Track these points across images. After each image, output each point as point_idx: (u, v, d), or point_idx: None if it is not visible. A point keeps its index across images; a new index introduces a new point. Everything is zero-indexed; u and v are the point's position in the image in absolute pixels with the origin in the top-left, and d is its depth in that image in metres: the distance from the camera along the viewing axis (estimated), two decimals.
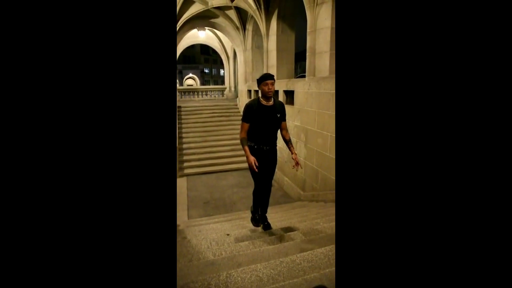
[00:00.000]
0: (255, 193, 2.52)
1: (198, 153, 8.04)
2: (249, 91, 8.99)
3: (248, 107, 2.24)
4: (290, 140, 2.44)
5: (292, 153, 2.31)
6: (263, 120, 2.23)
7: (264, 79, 2.20)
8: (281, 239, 2.08)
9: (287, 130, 2.44)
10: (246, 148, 2.22)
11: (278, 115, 2.29)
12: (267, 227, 2.64)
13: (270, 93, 2.21)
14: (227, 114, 10.19)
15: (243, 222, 3.27)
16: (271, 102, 2.26)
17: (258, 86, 2.24)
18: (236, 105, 10.93)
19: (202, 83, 33.60)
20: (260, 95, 2.30)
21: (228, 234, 2.55)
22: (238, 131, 9.39)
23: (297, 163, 2.23)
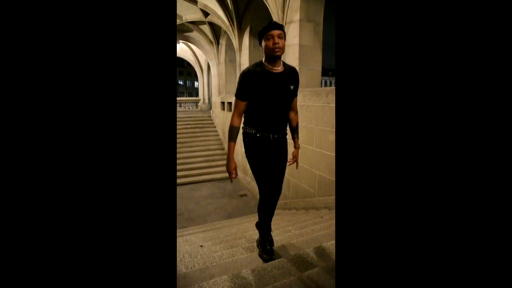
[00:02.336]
0: (262, 207, 1.68)
1: None
2: (223, 103, 8.98)
3: (245, 74, 1.44)
4: (297, 126, 1.70)
5: (295, 147, 1.68)
6: (270, 94, 1.45)
7: (268, 29, 1.40)
8: (253, 248, 2.08)
9: (296, 112, 1.67)
10: (232, 145, 1.50)
11: (291, 87, 1.51)
12: (270, 244, 1.81)
13: (277, 50, 1.40)
14: (201, 125, 10.09)
15: (217, 232, 3.22)
16: (280, 68, 1.48)
17: (260, 43, 1.47)
18: (210, 116, 10.88)
19: (177, 95, 32.97)
20: (264, 58, 1.48)
21: (201, 246, 2.50)
22: (212, 142, 9.30)
23: (295, 160, 1.67)
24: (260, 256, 1.80)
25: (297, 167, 1.77)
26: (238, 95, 1.49)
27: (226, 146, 8.82)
